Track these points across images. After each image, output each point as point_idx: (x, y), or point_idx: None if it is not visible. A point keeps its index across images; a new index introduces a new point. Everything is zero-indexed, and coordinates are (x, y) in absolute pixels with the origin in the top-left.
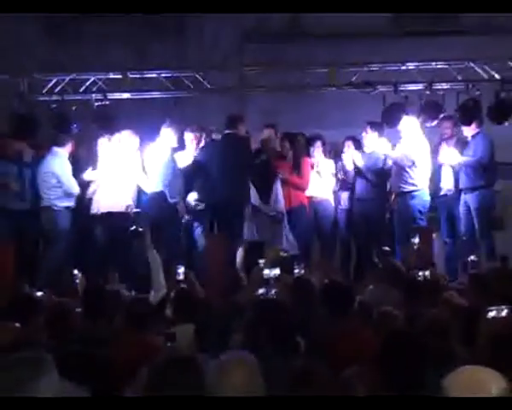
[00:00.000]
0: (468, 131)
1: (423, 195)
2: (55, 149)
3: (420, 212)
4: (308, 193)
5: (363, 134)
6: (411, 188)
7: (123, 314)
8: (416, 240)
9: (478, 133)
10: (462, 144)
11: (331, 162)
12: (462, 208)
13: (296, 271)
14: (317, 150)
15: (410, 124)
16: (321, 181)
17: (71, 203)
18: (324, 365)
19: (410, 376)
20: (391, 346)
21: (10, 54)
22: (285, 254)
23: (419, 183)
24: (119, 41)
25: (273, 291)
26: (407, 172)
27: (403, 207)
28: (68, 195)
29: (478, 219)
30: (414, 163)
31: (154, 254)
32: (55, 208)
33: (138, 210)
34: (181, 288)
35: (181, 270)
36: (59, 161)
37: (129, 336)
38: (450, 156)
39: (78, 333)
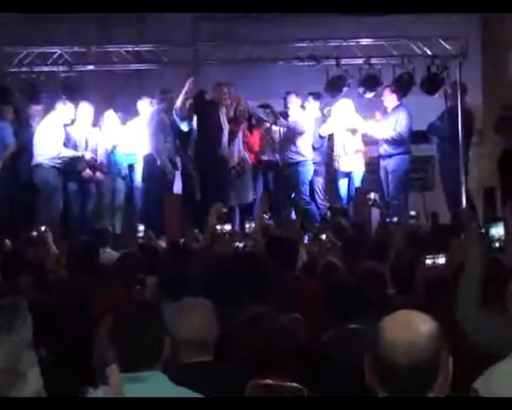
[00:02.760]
0: (390, 101)
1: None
2: None
3: None
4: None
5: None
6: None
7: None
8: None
9: (399, 106)
10: (383, 114)
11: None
12: (381, 173)
13: (247, 226)
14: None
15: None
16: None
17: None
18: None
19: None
20: (333, 293)
21: None
22: (226, 211)
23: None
24: (84, 18)
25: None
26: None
27: None
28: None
29: (394, 182)
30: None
31: None
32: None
33: None
34: (140, 243)
35: (141, 228)
36: None
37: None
38: (376, 131)
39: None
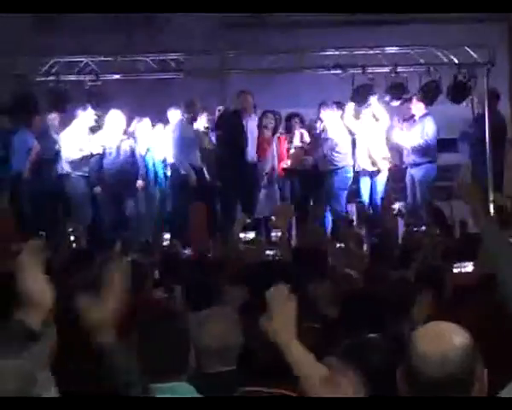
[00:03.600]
0: (416, 110)
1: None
2: None
3: None
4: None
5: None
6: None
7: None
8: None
9: (426, 114)
10: (410, 121)
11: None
12: (408, 181)
13: (273, 234)
14: (296, 125)
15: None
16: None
17: None
18: None
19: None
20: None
21: (9, 38)
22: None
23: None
24: (109, 28)
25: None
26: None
27: None
28: None
29: (420, 191)
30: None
31: None
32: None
33: None
34: (166, 252)
35: (166, 236)
36: None
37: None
38: (403, 137)
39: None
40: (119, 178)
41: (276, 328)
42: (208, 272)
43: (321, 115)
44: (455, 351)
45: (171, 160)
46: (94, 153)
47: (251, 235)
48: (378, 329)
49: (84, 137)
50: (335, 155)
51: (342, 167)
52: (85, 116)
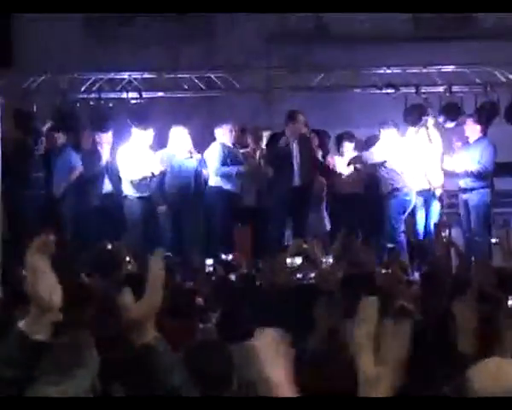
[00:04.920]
0: (472, 132)
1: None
2: None
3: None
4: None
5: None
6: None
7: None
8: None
9: (482, 137)
10: (464, 144)
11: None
12: (461, 208)
13: (324, 260)
14: (348, 146)
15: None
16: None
17: None
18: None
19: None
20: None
21: (53, 54)
22: (307, 246)
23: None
24: (153, 43)
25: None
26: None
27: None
28: None
29: (476, 218)
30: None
31: None
32: None
33: None
34: (212, 279)
35: (209, 262)
36: None
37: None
38: (459, 162)
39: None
40: (180, 198)
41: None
42: (250, 297)
43: (380, 135)
44: None
45: (217, 180)
46: (155, 173)
47: (298, 260)
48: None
49: (143, 156)
50: (394, 176)
51: (401, 189)
52: (142, 134)
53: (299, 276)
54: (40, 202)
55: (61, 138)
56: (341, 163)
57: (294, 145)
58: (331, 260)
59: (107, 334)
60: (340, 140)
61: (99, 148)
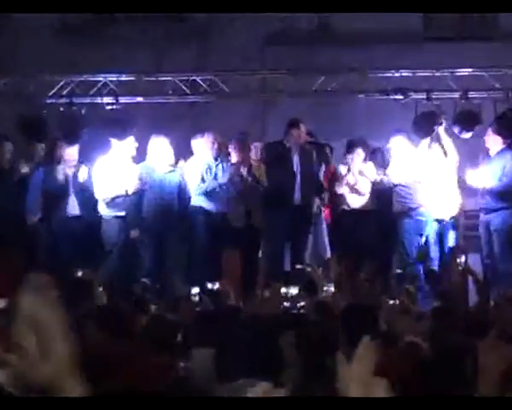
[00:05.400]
0: (493, 143)
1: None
2: None
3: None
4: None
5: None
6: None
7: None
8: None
9: (505, 149)
10: (484, 157)
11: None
12: (481, 230)
13: (325, 288)
14: (357, 157)
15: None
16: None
17: None
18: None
19: None
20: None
21: (18, 54)
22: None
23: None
24: (132, 42)
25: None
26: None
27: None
28: None
29: (499, 242)
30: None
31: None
32: None
33: None
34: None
35: (194, 290)
36: None
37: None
38: (478, 178)
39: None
40: (161, 218)
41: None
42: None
43: (390, 146)
44: None
45: (198, 199)
46: (130, 191)
47: (294, 290)
48: None
49: (119, 170)
50: (408, 193)
51: (416, 209)
52: (119, 145)
53: (286, 305)
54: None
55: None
56: (350, 177)
57: (295, 157)
58: (332, 289)
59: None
60: (351, 147)
61: (67, 161)
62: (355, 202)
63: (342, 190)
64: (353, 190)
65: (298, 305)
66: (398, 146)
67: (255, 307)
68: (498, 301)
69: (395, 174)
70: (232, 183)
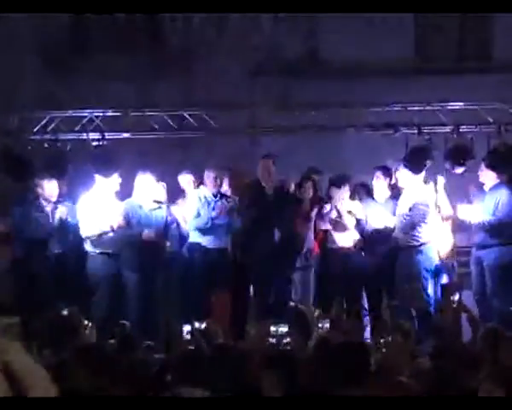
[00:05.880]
0: (488, 178)
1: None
2: None
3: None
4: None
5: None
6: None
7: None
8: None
9: (498, 184)
10: (478, 192)
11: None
12: (473, 266)
13: (320, 325)
14: (345, 194)
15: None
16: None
17: None
18: None
19: None
20: None
21: (2, 90)
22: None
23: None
24: (119, 78)
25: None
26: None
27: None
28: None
29: (491, 278)
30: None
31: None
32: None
33: None
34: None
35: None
36: None
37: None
38: (471, 214)
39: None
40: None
41: None
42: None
43: (397, 177)
44: None
45: (196, 235)
46: (115, 226)
47: (284, 328)
48: None
49: (104, 207)
50: (419, 228)
51: (426, 243)
52: (105, 182)
53: (272, 341)
54: None
55: None
56: (333, 213)
57: (271, 192)
58: (327, 326)
59: None
60: (336, 183)
61: (48, 199)
62: (341, 239)
63: (326, 226)
64: (338, 226)
65: (283, 342)
66: (405, 177)
67: (245, 344)
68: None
69: (405, 205)
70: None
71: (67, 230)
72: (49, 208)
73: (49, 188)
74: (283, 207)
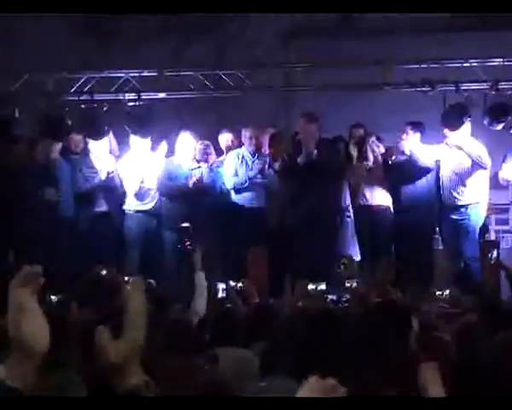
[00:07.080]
0: None
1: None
2: None
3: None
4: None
5: (404, 136)
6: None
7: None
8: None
9: None
10: None
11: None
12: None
13: (347, 284)
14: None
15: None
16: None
17: None
18: None
19: None
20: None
21: (37, 51)
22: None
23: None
24: (154, 39)
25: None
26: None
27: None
28: None
29: None
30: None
31: (201, 277)
32: None
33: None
34: (224, 308)
35: (221, 286)
36: None
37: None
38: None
39: None
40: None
41: None
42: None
43: (404, 137)
44: None
45: (233, 194)
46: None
47: (322, 286)
48: None
49: (142, 167)
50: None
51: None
52: (141, 142)
53: (332, 297)
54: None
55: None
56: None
57: (315, 154)
58: (355, 284)
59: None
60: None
61: (92, 158)
62: (376, 196)
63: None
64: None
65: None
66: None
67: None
68: None
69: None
70: (265, 176)
71: (110, 188)
72: (98, 165)
73: (98, 145)
74: (327, 169)
